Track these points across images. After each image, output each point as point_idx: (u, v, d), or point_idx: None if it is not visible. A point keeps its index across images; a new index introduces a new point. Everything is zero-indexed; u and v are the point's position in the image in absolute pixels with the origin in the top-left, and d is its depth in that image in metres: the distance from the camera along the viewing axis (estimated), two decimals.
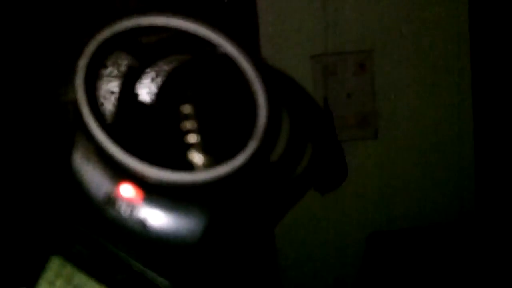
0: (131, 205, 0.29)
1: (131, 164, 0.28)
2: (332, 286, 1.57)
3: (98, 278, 0.31)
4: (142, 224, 0.29)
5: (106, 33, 0.29)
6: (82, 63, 0.29)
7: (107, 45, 0.30)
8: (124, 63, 0.31)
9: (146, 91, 0.32)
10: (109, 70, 0.31)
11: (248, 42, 1.31)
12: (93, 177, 0.29)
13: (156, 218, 0.29)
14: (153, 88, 0.32)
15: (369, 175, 1.56)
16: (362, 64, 1.48)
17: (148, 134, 0.31)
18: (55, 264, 0.31)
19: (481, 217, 1.48)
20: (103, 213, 0.29)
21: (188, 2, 1.39)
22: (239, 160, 0.29)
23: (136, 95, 0.32)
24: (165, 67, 0.32)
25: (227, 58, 0.30)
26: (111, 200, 0.29)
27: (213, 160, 0.30)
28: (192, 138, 0.31)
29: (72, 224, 0.31)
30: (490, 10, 1.42)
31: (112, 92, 0.31)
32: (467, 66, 1.49)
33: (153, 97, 0.32)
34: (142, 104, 0.32)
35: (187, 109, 0.31)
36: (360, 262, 1.48)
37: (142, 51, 0.31)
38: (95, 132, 0.28)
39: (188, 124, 0.31)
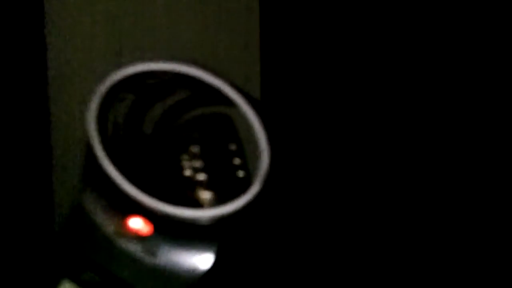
0: (140, 237, 0.31)
1: (142, 200, 0.30)
2: None
3: None
4: (149, 255, 0.31)
5: (115, 77, 0.32)
6: (93, 106, 0.31)
7: (116, 88, 0.32)
8: (130, 103, 0.33)
9: (154, 130, 0.34)
10: (117, 110, 0.33)
11: (36, 67, 1.29)
12: (104, 211, 0.31)
13: (163, 251, 0.31)
14: (161, 128, 0.34)
15: None
16: None
17: (157, 171, 0.33)
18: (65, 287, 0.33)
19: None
20: (114, 244, 0.31)
21: None
22: (243, 200, 0.31)
23: (144, 134, 0.34)
24: (172, 108, 0.34)
25: (232, 105, 0.33)
26: (121, 232, 0.31)
27: (218, 197, 0.32)
28: (199, 177, 0.33)
29: (83, 252, 0.32)
30: None
31: (121, 132, 0.33)
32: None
33: (162, 137, 0.34)
34: (151, 143, 0.34)
35: (194, 149, 0.34)
36: None
37: (148, 92, 0.33)
38: (109, 170, 0.30)
39: (196, 163, 0.33)
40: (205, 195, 0.33)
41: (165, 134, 0.34)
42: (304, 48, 1.39)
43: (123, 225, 0.31)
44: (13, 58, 1.26)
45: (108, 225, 0.31)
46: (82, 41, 1.37)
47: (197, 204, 0.32)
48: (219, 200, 0.32)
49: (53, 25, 1.35)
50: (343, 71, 1.39)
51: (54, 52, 1.34)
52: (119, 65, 0.32)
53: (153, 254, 0.31)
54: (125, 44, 1.37)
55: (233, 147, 0.34)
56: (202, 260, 0.32)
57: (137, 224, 0.31)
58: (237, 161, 0.34)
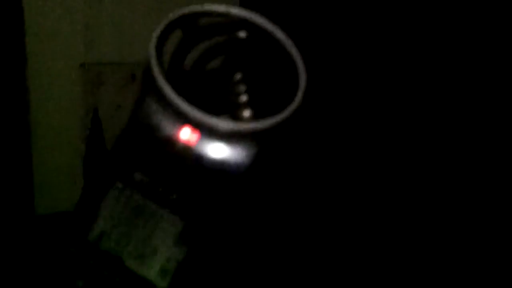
0: (188, 145, 0.35)
1: (191, 112, 0.35)
2: None
3: (154, 200, 0.37)
4: (197, 158, 0.36)
5: (176, 14, 0.37)
6: (155, 34, 0.36)
7: (174, 23, 0.37)
8: (181, 40, 0.38)
9: (200, 61, 0.39)
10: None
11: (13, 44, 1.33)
12: (159, 120, 0.36)
13: (209, 157, 0.36)
14: (210, 59, 0.39)
15: None
16: (133, 75, 1.45)
17: (204, 93, 0.38)
18: (118, 187, 0.38)
19: None
20: (165, 148, 0.36)
21: None
22: (285, 114, 0.35)
23: (194, 64, 0.39)
24: (219, 42, 0.39)
25: (270, 39, 0.37)
26: (172, 140, 0.36)
27: (258, 115, 0.37)
28: (243, 99, 0.38)
29: (136, 154, 0.37)
30: None
31: (177, 60, 0.39)
32: None
33: (210, 65, 0.39)
34: (198, 70, 0.39)
35: (238, 76, 0.39)
36: None
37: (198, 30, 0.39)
38: (164, 86, 0.35)
39: (239, 88, 0.38)
40: (247, 113, 0.38)
41: (211, 64, 0.39)
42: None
43: (175, 134, 0.35)
44: None
45: (162, 131, 0.35)
46: None
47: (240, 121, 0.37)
48: (259, 117, 0.36)
49: None
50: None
51: None
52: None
53: (199, 160, 0.35)
54: None
55: (270, 73, 0.39)
56: (242, 166, 0.36)
57: (186, 134, 0.35)
58: (273, 85, 0.39)
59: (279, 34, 0.37)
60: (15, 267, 1.11)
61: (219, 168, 0.35)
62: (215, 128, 0.34)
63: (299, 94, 0.36)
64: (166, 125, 0.35)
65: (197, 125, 0.35)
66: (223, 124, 0.34)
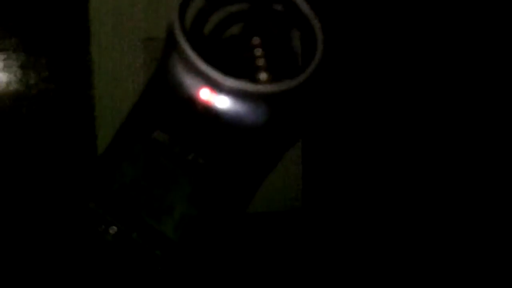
0: (208, 105, 0.37)
1: (212, 74, 0.36)
2: None
3: (171, 159, 0.39)
4: (216, 115, 0.37)
5: None
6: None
7: None
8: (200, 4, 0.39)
9: (222, 25, 0.40)
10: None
11: (77, 22, 1.34)
12: (181, 80, 0.37)
13: (228, 115, 0.37)
14: (230, 24, 0.40)
15: None
16: None
17: (225, 58, 0.39)
18: (138, 145, 0.39)
19: (307, 209, 1.54)
20: (185, 108, 0.37)
21: None
22: (302, 77, 0.37)
23: (213, 30, 0.40)
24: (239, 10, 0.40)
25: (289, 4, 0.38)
26: (193, 99, 0.37)
27: (277, 79, 0.38)
28: (260, 62, 0.39)
29: (156, 113, 0.38)
30: None
31: (198, 25, 0.39)
32: None
33: (229, 31, 0.40)
34: (217, 36, 0.40)
35: (256, 40, 0.40)
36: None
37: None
38: (186, 48, 0.36)
39: (257, 52, 0.39)
40: (264, 76, 0.39)
41: (231, 29, 0.41)
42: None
43: (195, 94, 0.37)
44: None
45: (182, 91, 0.37)
46: None
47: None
48: (278, 80, 0.37)
49: None
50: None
51: None
52: None
53: (217, 119, 0.37)
54: None
55: (288, 38, 0.40)
56: (262, 116, 0.37)
57: (207, 94, 0.37)
58: (290, 49, 0.40)
59: (303, 5, 0.38)
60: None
61: (235, 127, 0.37)
62: (233, 89, 0.36)
63: (316, 59, 0.37)
64: (187, 85, 0.36)
65: (216, 86, 0.36)
66: (241, 85, 0.36)
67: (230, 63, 0.39)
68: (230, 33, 0.40)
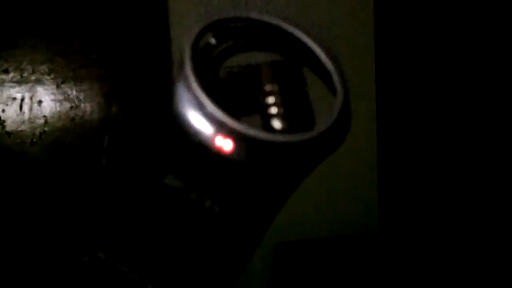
0: (222, 153, 0.35)
1: (226, 121, 0.34)
2: None
3: (189, 209, 0.37)
4: (229, 168, 0.36)
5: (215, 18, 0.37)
6: (190, 39, 0.36)
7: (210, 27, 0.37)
8: (213, 42, 0.38)
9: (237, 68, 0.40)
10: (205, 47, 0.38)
11: (160, 50, 1.35)
12: (193, 126, 0.35)
13: (241, 165, 0.36)
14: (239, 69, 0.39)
15: None
16: None
17: (236, 102, 0.38)
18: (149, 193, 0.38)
19: (384, 230, 1.58)
20: (198, 154, 0.36)
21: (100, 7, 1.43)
22: (320, 128, 0.35)
23: (225, 71, 0.39)
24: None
25: (306, 51, 0.37)
26: (207, 146, 0.35)
27: (292, 129, 0.36)
28: (274, 110, 0.37)
29: (168, 157, 0.37)
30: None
31: (209, 65, 0.38)
32: (371, 77, 1.59)
33: (242, 74, 0.39)
34: (231, 79, 0.40)
35: (273, 87, 0.38)
36: (269, 273, 1.52)
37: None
38: (202, 97, 0.34)
39: (271, 99, 0.37)
40: (279, 125, 0.37)
41: (245, 72, 0.39)
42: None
43: (209, 141, 0.35)
44: None
45: (195, 136, 0.35)
46: None
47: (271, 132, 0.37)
48: (293, 130, 0.36)
49: None
50: None
51: None
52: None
53: (232, 167, 0.35)
54: None
55: (304, 88, 0.39)
56: (276, 176, 0.36)
57: (220, 141, 0.35)
58: (306, 99, 0.39)
59: (324, 59, 0.37)
60: None
61: (249, 174, 0.36)
62: (250, 138, 0.34)
63: (335, 111, 0.36)
64: (199, 131, 0.35)
65: (232, 134, 0.34)
66: (259, 134, 0.34)
67: (240, 103, 0.38)
68: (241, 69, 0.39)
